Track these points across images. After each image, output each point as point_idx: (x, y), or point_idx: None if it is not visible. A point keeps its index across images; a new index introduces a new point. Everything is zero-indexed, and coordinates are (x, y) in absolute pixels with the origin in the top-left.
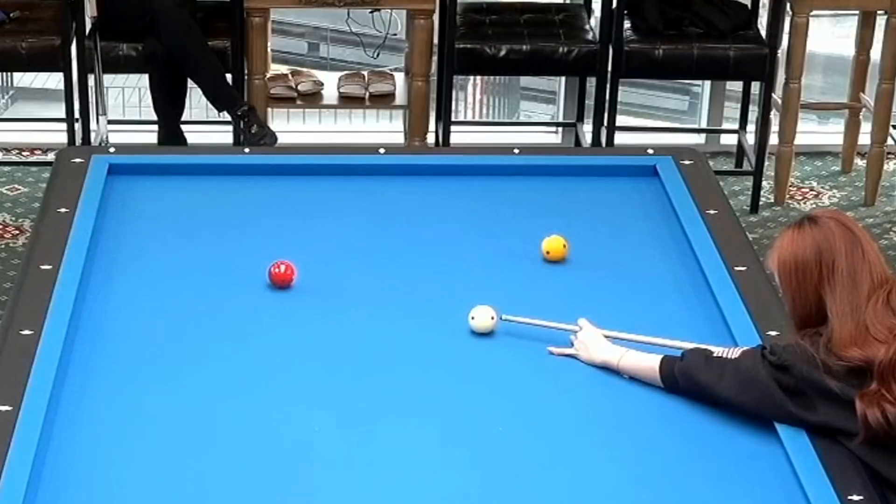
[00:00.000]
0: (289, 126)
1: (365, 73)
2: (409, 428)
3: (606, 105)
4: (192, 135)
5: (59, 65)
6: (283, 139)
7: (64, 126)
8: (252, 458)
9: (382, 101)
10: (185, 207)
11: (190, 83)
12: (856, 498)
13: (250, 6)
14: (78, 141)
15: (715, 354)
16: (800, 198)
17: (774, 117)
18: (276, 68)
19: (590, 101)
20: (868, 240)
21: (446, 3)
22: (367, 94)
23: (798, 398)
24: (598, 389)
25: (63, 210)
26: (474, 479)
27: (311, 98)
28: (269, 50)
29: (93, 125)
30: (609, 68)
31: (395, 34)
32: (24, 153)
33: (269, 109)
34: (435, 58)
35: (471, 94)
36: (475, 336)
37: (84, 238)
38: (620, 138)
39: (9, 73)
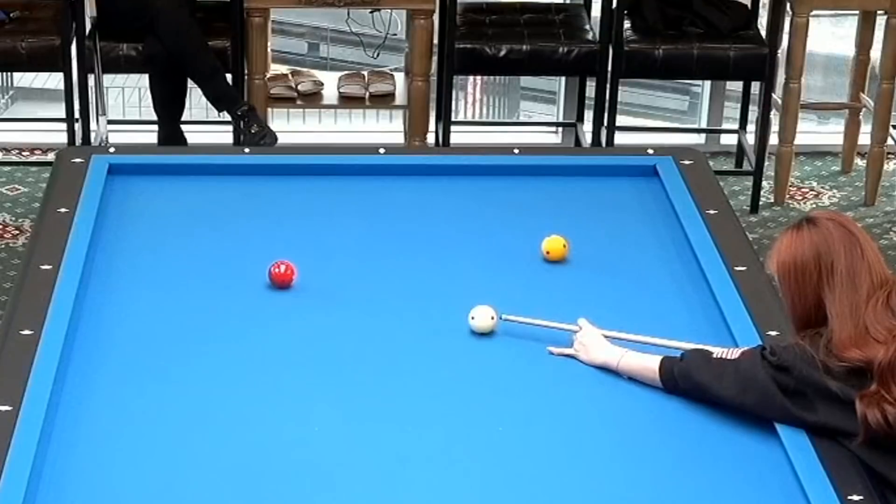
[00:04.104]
0: (289, 126)
1: (365, 73)
2: (409, 428)
3: (606, 105)
4: (192, 135)
5: (59, 65)
6: (283, 139)
7: (64, 126)
8: (252, 458)
9: (382, 101)
10: (185, 207)
11: (190, 83)
12: (856, 498)
13: (250, 6)
14: (78, 141)
15: (715, 355)
16: (800, 198)
17: (774, 117)
18: (276, 68)
19: (590, 101)
20: (867, 240)
21: (446, 3)
22: (367, 94)
23: (798, 399)
24: (598, 389)
25: (63, 210)
26: (474, 479)
27: (311, 98)
28: (269, 50)
29: (93, 125)
30: (609, 68)
31: (395, 34)
32: (24, 153)
33: (269, 109)
34: (435, 58)
35: (471, 94)
36: (475, 336)
37: (84, 238)
38: (620, 138)
39: (9, 73)
